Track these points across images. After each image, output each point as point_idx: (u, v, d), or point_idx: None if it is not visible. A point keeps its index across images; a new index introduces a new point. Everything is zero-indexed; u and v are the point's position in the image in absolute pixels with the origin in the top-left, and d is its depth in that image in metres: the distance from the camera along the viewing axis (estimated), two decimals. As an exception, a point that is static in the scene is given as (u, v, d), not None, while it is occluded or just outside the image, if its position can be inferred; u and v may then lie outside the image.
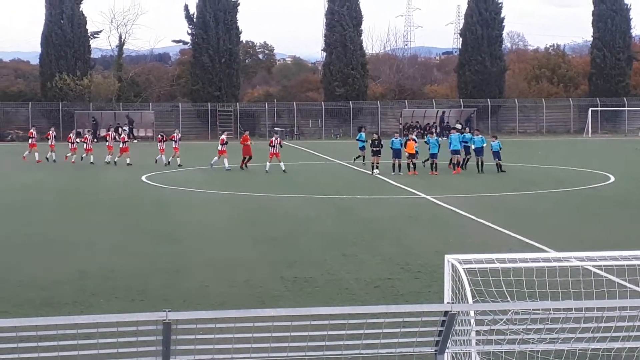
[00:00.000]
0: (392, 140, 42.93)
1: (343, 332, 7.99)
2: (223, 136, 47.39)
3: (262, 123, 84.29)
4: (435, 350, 8.22)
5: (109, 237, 23.78)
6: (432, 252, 20.03)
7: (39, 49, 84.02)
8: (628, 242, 20.56)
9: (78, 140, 52.92)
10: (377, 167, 41.85)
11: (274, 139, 44.19)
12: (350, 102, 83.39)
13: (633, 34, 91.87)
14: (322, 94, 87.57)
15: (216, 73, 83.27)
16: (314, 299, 16.12)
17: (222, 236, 23.81)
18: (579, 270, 11.77)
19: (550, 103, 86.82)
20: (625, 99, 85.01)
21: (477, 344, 8.87)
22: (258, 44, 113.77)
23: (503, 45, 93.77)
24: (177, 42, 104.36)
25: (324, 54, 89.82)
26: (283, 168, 42.58)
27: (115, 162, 48.65)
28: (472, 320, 8.66)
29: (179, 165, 47.15)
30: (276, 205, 30.80)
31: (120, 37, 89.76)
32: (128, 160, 47.99)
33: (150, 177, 40.87)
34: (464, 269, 9.99)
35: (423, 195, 33.00)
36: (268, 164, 43.11)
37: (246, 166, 44.84)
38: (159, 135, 52.07)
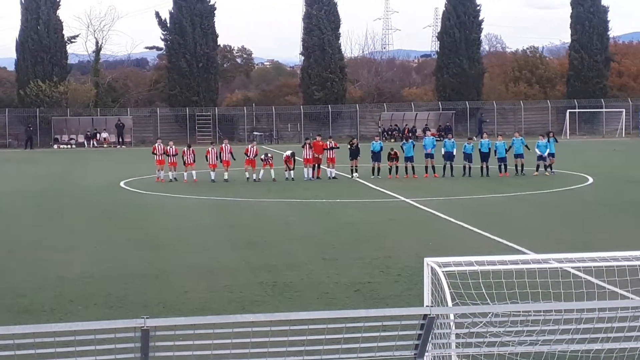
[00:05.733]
0: (372, 144, 42.95)
1: (323, 336, 7.97)
2: (251, 146, 42.18)
3: (240, 128, 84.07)
4: (415, 354, 8.22)
5: (88, 242, 23.66)
6: (412, 255, 20.04)
7: (14, 55, 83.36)
8: (606, 244, 20.63)
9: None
10: (356, 171, 41.86)
11: (328, 142, 42.87)
12: (329, 106, 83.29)
13: (610, 36, 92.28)
14: (301, 98, 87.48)
15: (194, 78, 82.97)
16: (294, 303, 16.11)
17: (201, 241, 23.73)
18: (558, 272, 11.82)
19: (528, 105, 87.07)
20: (602, 100, 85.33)
21: (456, 346, 8.87)
22: (236, 48, 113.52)
23: (481, 48, 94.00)
24: (151, 48, 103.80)
25: (302, 57, 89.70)
26: (333, 175, 41.69)
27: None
28: (452, 323, 8.65)
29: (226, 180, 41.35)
30: (255, 210, 30.75)
31: (97, 43, 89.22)
32: None
33: (128, 183, 40.70)
34: (443, 272, 10.00)
35: (402, 198, 33.04)
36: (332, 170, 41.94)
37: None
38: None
